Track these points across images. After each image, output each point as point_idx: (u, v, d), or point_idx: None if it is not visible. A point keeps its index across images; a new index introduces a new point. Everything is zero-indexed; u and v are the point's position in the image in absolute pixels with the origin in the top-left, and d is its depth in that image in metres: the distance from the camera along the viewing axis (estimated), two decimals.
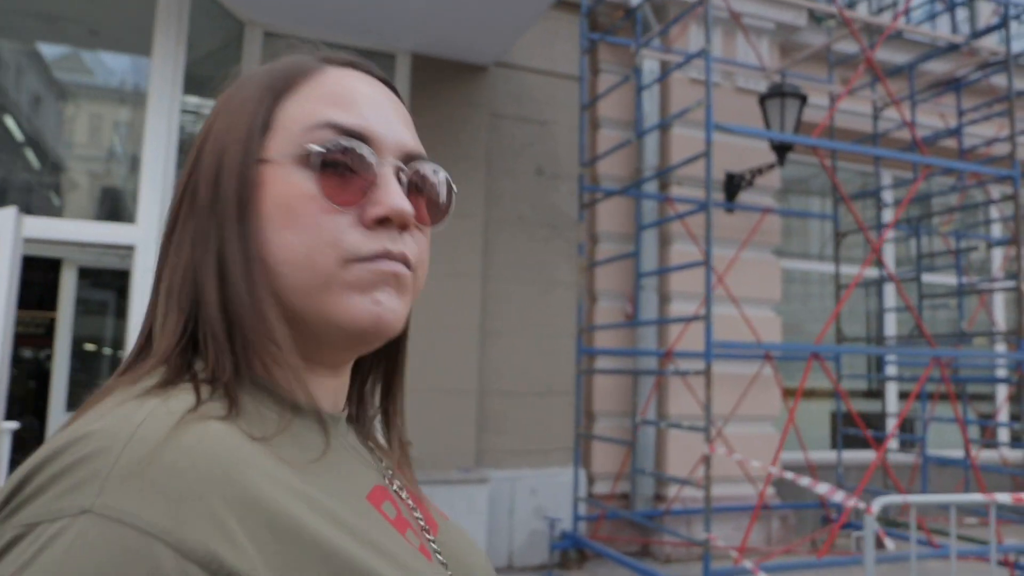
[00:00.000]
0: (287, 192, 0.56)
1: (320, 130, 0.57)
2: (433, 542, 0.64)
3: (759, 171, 5.71)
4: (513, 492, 5.20)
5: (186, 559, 0.42)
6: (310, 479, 0.52)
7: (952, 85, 5.67)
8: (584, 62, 5.60)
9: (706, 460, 3.96)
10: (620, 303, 5.81)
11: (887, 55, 6.50)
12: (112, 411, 0.48)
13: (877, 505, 2.76)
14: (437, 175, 0.64)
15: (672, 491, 5.54)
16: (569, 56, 5.79)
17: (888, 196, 6.75)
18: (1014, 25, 6.37)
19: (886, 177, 7.03)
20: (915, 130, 5.89)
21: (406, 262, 0.58)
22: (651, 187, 5.80)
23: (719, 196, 5.92)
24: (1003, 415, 7.36)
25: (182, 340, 0.55)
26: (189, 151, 0.62)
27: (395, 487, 0.65)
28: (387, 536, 0.55)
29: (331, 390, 0.63)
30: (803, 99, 5.49)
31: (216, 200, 0.57)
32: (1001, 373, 7.06)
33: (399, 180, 0.60)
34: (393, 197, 0.57)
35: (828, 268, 6.73)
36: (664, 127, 5.88)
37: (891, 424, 6.89)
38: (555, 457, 5.41)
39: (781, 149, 5.51)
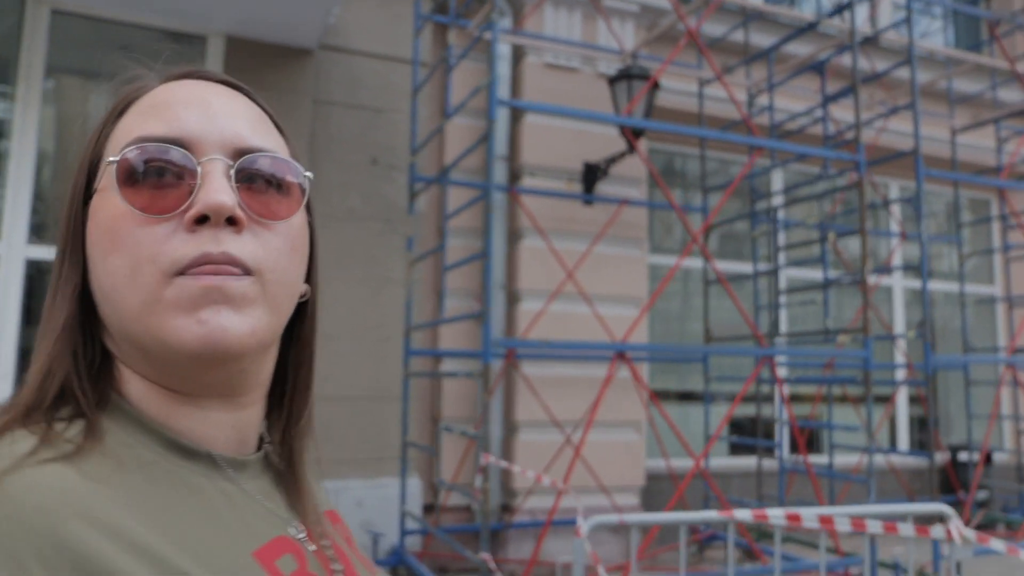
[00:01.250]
0: (108, 215, 0.54)
1: (129, 148, 0.54)
2: None
3: (612, 160, 5.36)
4: (336, 505, 4.81)
5: None
6: (172, 531, 0.49)
7: (815, 68, 5.32)
8: (417, 44, 5.25)
9: (483, 471, 3.59)
10: (468, 302, 5.45)
11: (760, 39, 6.17)
12: None
13: (586, 527, 2.40)
14: (280, 165, 0.58)
15: (520, 502, 5.17)
16: (411, 40, 5.45)
17: (781, 185, 6.42)
18: (888, 8, 6.06)
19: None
20: (773, 115, 5.57)
21: (234, 263, 0.53)
22: (501, 179, 5.45)
23: (578, 188, 5.57)
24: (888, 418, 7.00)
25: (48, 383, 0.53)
26: None
27: (306, 536, 0.59)
28: None
29: (228, 426, 0.58)
30: (653, 83, 5.14)
31: (63, 243, 0.57)
32: (905, 374, 6.70)
33: (227, 177, 0.55)
34: (210, 192, 0.53)
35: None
36: (516, 115, 5.55)
37: (781, 429, 6.53)
38: (389, 467, 5.04)
39: (634, 135, 5.16)
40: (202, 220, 0.53)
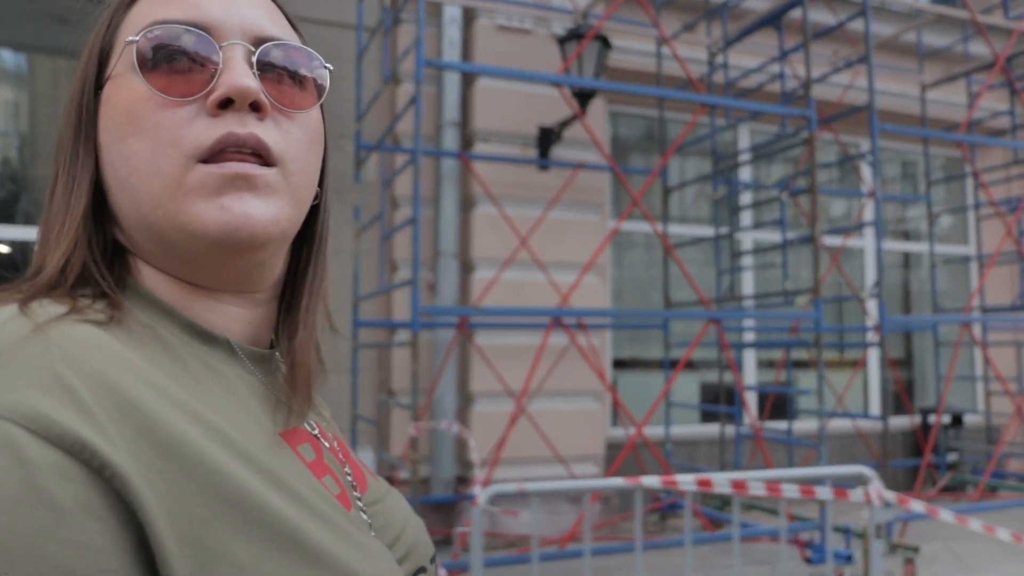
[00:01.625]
0: (126, 99, 0.53)
1: (147, 30, 0.52)
2: (360, 499, 0.60)
3: (565, 124, 5.23)
4: None
5: (51, 445, 0.39)
6: (206, 401, 0.48)
7: (772, 23, 5.17)
8: (361, 8, 5.10)
9: (412, 442, 3.52)
10: (422, 271, 5.35)
11: None
12: None
13: (485, 496, 2.33)
14: (301, 55, 0.57)
15: (476, 474, 5.11)
16: (356, 5, 5.30)
17: (746, 147, 6.28)
18: None
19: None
20: (728, 73, 5.42)
21: (260, 148, 0.52)
22: (453, 145, 5.32)
23: (533, 153, 5.45)
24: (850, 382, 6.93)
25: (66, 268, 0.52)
26: None
27: (319, 433, 0.60)
28: (296, 473, 0.50)
29: (244, 321, 0.58)
30: (604, 42, 5.00)
31: (73, 131, 0.55)
32: (872, 337, 6.61)
33: (249, 64, 0.54)
34: (234, 76, 0.52)
35: (676, 229, 6.28)
36: (468, 79, 5.41)
37: (751, 396, 6.47)
38: None
39: (582, 97, 5.03)
40: (225, 105, 0.52)
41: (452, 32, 5.38)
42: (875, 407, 7.03)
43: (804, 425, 6.33)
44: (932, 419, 6.67)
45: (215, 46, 0.53)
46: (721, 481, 2.36)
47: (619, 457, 4.30)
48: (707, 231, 6.22)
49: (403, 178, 5.29)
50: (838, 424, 6.41)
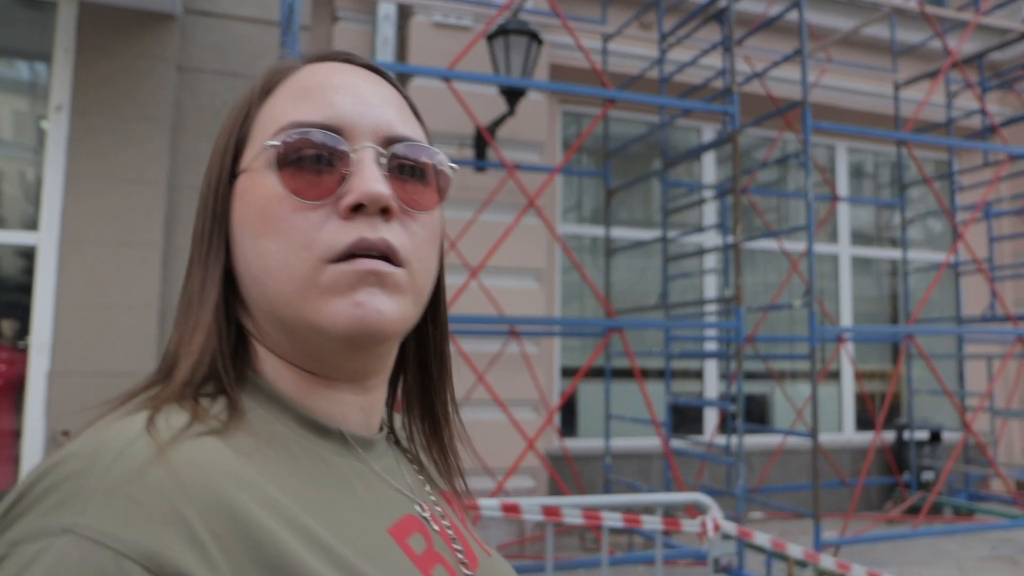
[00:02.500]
0: (260, 197, 0.54)
1: (285, 130, 0.54)
2: None
3: (497, 123, 5.04)
4: None
5: None
6: (314, 506, 0.50)
7: (716, 17, 4.92)
8: (297, 5, 4.98)
9: None
10: None
11: None
12: (101, 428, 0.47)
13: None
14: (427, 155, 0.58)
15: None
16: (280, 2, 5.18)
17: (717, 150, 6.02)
18: None
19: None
20: (663, 69, 5.18)
21: (389, 251, 0.53)
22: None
23: (469, 154, 5.27)
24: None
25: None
26: None
27: (430, 516, 0.60)
28: (400, 573, 0.51)
29: (357, 408, 0.59)
30: (535, 38, 4.81)
31: (209, 220, 0.56)
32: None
33: (379, 165, 0.55)
34: (366, 181, 0.53)
35: (617, 233, 6.04)
36: (403, 78, 5.25)
37: (712, 407, 6.19)
38: None
39: (511, 95, 4.84)
40: (356, 208, 0.53)
41: (386, 30, 5.24)
42: (848, 421, 6.69)
43: (763, 440, 6.05)
44: (909, 435, 6.32)
45: (348, 150, 0.54)
46: (530, 507, 2.16)
47: (513, 467, 4.07)
48: (649, 234, 5.98)
49: None
50: (799, 441, 6.10)
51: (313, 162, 0.53)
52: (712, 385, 6.27)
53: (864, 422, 6.75)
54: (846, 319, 6.73)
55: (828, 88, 6.33)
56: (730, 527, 2.21)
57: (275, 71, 0.60)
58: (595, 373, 6.04)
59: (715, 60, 5.66)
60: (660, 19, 5.28)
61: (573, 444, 5.76)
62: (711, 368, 6.26)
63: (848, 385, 6.70)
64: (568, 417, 6.00)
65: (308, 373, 0.56)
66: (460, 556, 0.60)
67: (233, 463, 0.47)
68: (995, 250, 6.62)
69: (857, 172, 7.08)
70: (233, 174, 0.57)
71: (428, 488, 0.64)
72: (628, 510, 2.41)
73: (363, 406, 0.60)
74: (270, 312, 0.54)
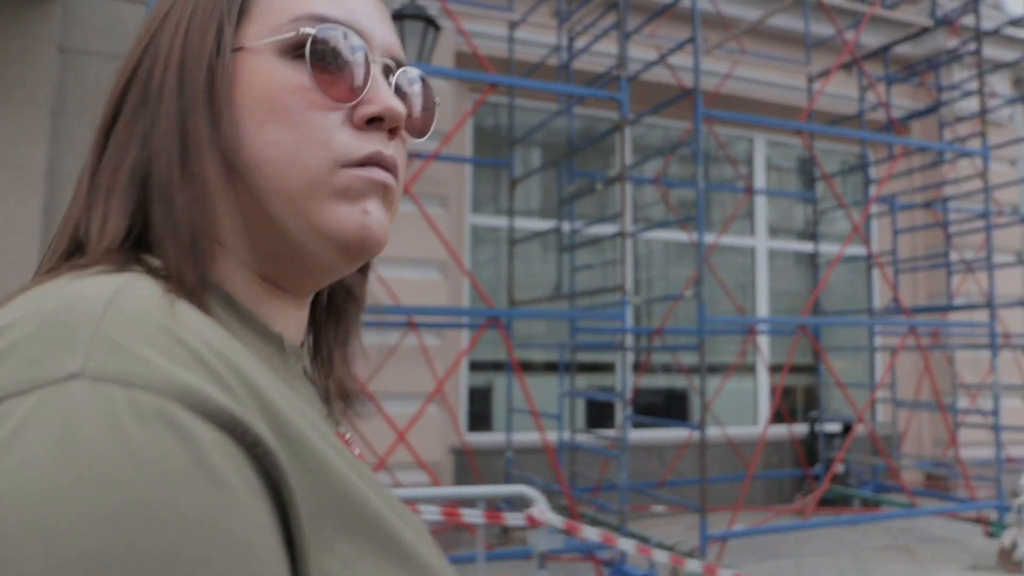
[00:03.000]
0: (271, 83, 0.51)
1: (307, 21, 0.51)
2: None
3: None
4: None
5: (210, 423, 0.36)
6: (293, 395, 0.47)
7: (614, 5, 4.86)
8: None
9: None
10: None
11: None
12: (64, 287, 0.40)
13: None
14: (427, 88, 0.60)
15: None
16: None
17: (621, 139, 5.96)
18: None
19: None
20: (561, 55, 5.11)
21: (395, 170, 0.54)
22: None
23: None
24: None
25: (127, 240, 0.48)
26: (139, 34, 0.55)
27: (349, 437, 0.61)
28: (366, 471, 0.49)
29: (295, 321, 0.57)
30: (431, 24, 4.70)
31: (181, 88, 0.51)
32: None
33: (389, 83, 0.55)
34: (387, 96, 0.53)
35: (522, 223, 5.98)
36: None
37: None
38: None
39: None
40: (371, 120, 0.52)
41: None
42: (763, 415, 6.71)
43: (678, 434, 6.02)
44: (825, 427, 6.35)
45: (369, 58, 0.53)
46: None
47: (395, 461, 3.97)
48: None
49: None
50: (716, 434, 6.09)
51: (336, 61, 0.51)
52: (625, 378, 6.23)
53: (782, 415, 6.78)
54: (763, 312, 6.75)
55: (744, 80, 6.32)
56: (556, 520, 2.14)
57: None
58: (528, 367, 5.97)
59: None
60: (560, 5, 5.21)
61: (481, 439, 5.68)
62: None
63: (763, 378, 6.72)
64: (482, 411, 5.92)
65: (263, 280, 0.54)
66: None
67: (230, 339, 0.43)
68: (899, 243, 6.68)
69: (777, 165, 7.09)
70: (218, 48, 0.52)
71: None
72: (458, 500, 2.32)
73: (299, 321, 0.58)
74: (259, 206, 0.51)
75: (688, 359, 6.22)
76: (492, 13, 5.38)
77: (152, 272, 0.45)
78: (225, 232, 0.52)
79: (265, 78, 0.51)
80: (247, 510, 0.36)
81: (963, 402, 6.61)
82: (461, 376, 5.67)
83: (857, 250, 7.00)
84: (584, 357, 5.94)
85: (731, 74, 6.05)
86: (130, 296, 0.40)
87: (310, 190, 0.50)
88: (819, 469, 6.22)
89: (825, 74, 6.11)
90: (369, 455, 4.82)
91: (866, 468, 6.34)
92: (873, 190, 6.94)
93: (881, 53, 5.87)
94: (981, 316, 6.61)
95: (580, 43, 5.38)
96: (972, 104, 7.14)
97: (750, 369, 6.69)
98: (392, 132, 0.54)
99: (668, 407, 6.53)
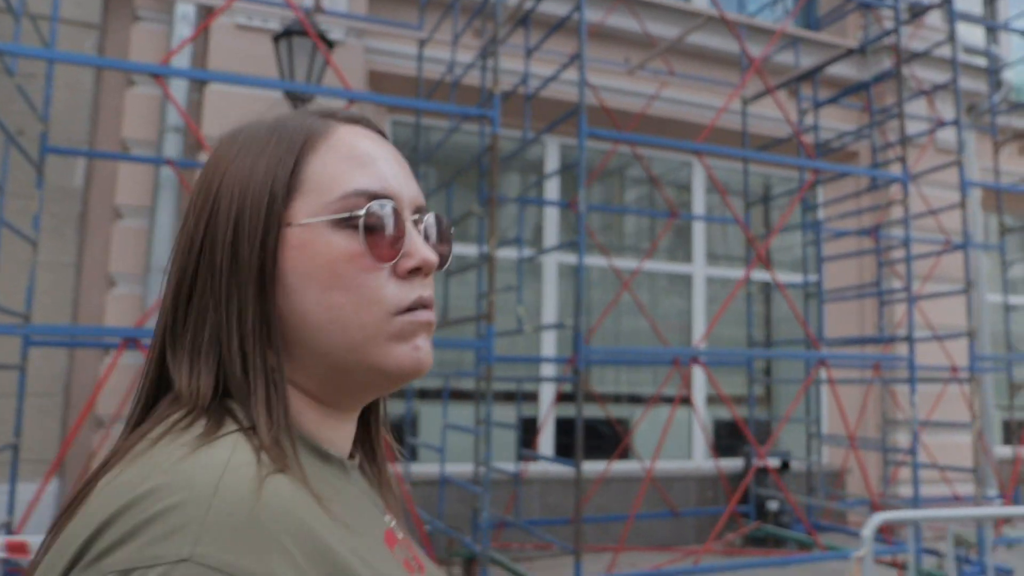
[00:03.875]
0: (329, 254, 0.60)
1: (354, 196, 0.61)
2: None
3: None
4: None
5: None
6: (348, 528, 0.57)
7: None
8: (56, 2, 4.72)
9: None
10: (140, 288, 4.92)
11: None
12: (178, 462, 0.51)
13: None
14: (446, 225, 0.70)
15: None
16: (83, 1, 4.94)
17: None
18: None
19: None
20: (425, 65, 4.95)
21: (433, 305, 0.64)
22: (175, 152, 4.90)
23: None
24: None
25: (215, 394, 0.58)
26: (191, 206, 0.63)
27: (395, 526, 0.69)
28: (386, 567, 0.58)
29: (347, 435, 0.66)
30: (324, 41, 4.58)
31: (235, 262, 0.59)
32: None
33: (419, 233, 0.65)
34: (422, 249, 0.63)
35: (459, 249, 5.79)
36: (200, 83, 5.01)
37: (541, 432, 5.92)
38: (32, 470, 4.53)
39: (295, 100, 4.60)
40: (413, 271, 0.63)
41: (183, 30, 4.99)
42: (699, 450, 6.44)
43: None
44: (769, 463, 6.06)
45: (405, 219, 0.63)
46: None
47: None
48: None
49: (124, 186, 4.90)
50: (633, 468, 5.83)
51: (380, 229, 0.61)
52: (546, 403, 6.00)
53: (721, 449, 6.50)
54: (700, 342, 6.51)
55: (677, 102, 6.14)
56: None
57: (313, 129, 0.64)
58: (457, 396, 5.77)
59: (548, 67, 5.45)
60: (457, 25, 5.06)
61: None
62: (547, 390, 5.99)
63: (699, 410, 6.46)
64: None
65: (323, 405, 0.63)
66: (414, 563, 0.67)
67: (303, 496, 0.52)
68: (829, 272, 6.45)
69: (715, 189, 6.87)
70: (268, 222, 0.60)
71: (393, 501, 0.73)
72: None
73: (350, 432, 0.67)
74: (325, 356, 0.60)
75: (618, 389, 5.98)
76: (402, 31, 5.25)
77: (242, 430, 0.55)
78: (295, 375, 0.61)
79: (324, 250, 0.59)
80: None
81: (906, 439, 6.31)
82: None
83: (798, 278, 6.76)
84: (502, 387, 5.71)
85: (658, 95, 5.88)
86: (232, 480, 0.49)
87: (370, 340, 0.60)
88: (747, 507, 5.93)
89: (757, 97, 5.92)
90: None
91: (803, 506, 6.04)
92: (820, 216, 6.71)
93: (810, 76, 5.68)
94: (931, 348, 6.33)
95: (467, 59, 5.21)
96: (919, 127, 6.91)
97: (685, 401, 6.44)
98: (426, 275, 0.64)
99: (598, 439, 6.28)
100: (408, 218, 0.64)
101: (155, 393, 0.61)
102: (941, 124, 6.69)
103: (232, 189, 0.60)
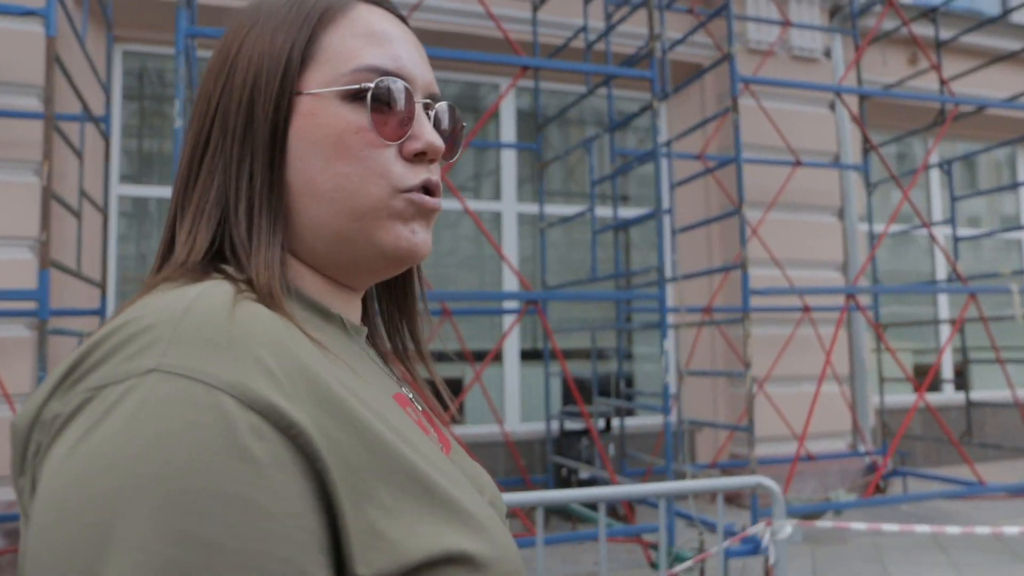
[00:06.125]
0: (336, 125, 0.61)
1: (366, 71, 0.62)
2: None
3: None
4: None
5: (250, 409, 0.46)
6: (349, 370, 0.58)
7: None
8: None
9: None
10: None
11: None
12: (156, 298, 0.52)
13: None
14: (457, 118, 0.70)
15: None
16: None
17: None
18: None
19: None
20: None
21: (438, 192, 0.65)
22: None
23: None
24: None
25: (209, 252, 0.60)
26: (209, 71, 0.65)
27: (414, 397, 0.71)
28: (410, 429, 0.57)
29: (354, 308, 0.68)
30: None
31: (249, 126, 0.61)
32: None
33: (429, 119, 0.66)
34: (429, 133, 0.64)
35: None
36: None
37: None
38: None
39: None
40: (418, 154, 0.64)
41: None
42: (514, 412, 5.67)
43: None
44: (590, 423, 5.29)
45: (415, 101, 0.64)
46: None
47: None
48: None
49: None
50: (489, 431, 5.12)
51: (389, 106, 0.62)
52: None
53: (538, 411, 5.72)
54: (510, 286, 5.72)
55: (462, 14, 5.29)
56: None
57: (333, 3, 0.64)
58: None
59: None
60: None
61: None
62: None
63: (512, 367, 5.68)
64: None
65: (327, 280, 0.65)
66: (431, 429, 0.68)
67: (284, 322, 0.53)
68: (678, 203, 5.62)
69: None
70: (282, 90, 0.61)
71: (398, 377, 0.74)
72: None
73: (356, 307, 0.69)
74: (327, 225, 0.61)
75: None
76: None
77: (229, 279, 0.57)
78: (296, 244, 0.63)
79: (331, 120, 0.61)
80: (269, 482, 0.45)
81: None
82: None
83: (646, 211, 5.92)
84: None
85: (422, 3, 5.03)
86: (203, 303, 0.50)
87: (373, 211, 0.62)
88: (544, 476, 5.17)
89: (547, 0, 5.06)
90: None
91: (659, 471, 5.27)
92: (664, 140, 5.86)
93: None
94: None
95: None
96: (770, 34, 6.01)
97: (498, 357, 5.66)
98: (432, 160, 0.65)
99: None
100: (419, 101, 0.64)
101: (168, 255, 0.62)
102: (788, 24, 5.80)
103: (251, 54, 0.62)
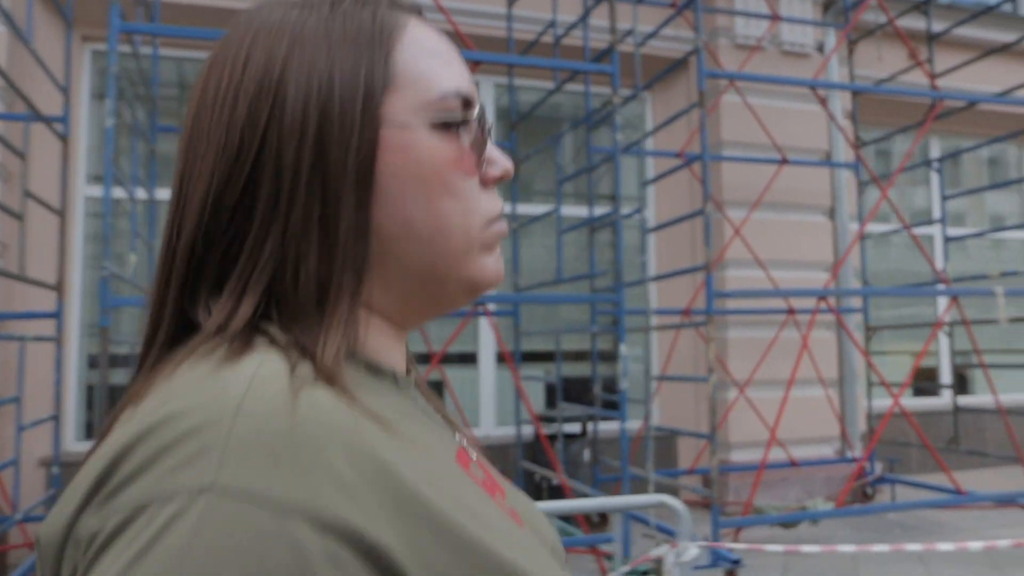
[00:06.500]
0: (434, 159, 0.54)
1: (453, 96, 0.56)
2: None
3: None
4: None
5: (327, 535, 0.39)
6: (413, 444, 0.50)
7: None
8: None
9: None
10: None
11: None
12: (197, 383, 0.44)
13: None
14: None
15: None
16: None
17: None
18: None
19: None
20: None
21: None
22: None
23: None
24: None
25: (254, 316, 0.50)
26: (230, 97, 0.52)
27: (468, 445, 0.63)
28: (483, 503, 0.51)
29: (400, 348, 0.60)
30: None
31: (319, 165, 0.51)
32: None
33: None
34: (501, 156, 0.60)
35: None
36: None
37: None
38: None
39: None
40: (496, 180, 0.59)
41: None
42: (488, 416, 5.57)
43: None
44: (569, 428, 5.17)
45: (488, 125, 0.59)
46: None
47: None
48: None
49: None
50: None
51: (480, 136, 0.57)
52: None
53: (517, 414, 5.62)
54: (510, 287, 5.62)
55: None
56: None
57: (393, 21, 0.56)
58: None
59: None
60: None
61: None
62: None
63: (488, 369, 5.58)
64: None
65: (389, 324, 0.58)
66: (492, 485, 0.61)
67: (347, 409, 0.45)
68: (655, 202, 5.49)
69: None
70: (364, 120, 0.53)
71: (448, 423, 0.65)
72: None
73: (402, 352, 0.61)
74: (419, 268, 0.55)
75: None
76: None
77: (276, 345, 0.47)
78: (373, 293, 0.55)
79: (428, 154, 0.54)
80: None
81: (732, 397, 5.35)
82: (70, 374, 4.72)
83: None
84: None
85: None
86: (257, 395, 0.42)
87: (469, 247, 0.56)
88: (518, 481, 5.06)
89: None
90: None
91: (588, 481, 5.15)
92: (649, 142, 5.73)
93: None
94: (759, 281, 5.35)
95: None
96: (759, 28, 5.86)
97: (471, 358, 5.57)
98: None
99: None
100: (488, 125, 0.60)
101: (159, 323, 0.52)
102: (777, 19, 5.65)
103: (307, 79, 0.51)
